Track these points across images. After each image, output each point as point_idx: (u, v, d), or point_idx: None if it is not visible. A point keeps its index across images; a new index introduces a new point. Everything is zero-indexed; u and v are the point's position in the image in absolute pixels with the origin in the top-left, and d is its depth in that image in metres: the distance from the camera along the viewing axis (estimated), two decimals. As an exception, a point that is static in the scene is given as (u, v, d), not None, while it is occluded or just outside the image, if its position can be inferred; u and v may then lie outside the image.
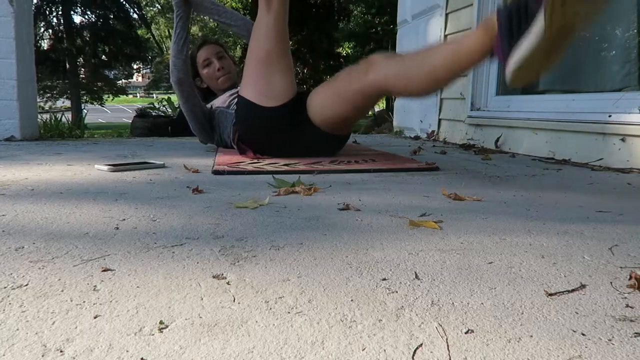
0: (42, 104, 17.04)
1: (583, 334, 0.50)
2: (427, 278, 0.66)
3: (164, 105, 7.16)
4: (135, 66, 24.41)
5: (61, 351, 0.46)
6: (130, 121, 6.03)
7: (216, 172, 1.58)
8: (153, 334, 0.49)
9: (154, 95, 27.08)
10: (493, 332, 0.51)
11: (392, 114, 3.98)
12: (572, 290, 0.62)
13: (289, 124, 1.84)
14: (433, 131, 3.16)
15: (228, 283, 0.63)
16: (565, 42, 1.10)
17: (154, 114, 6.47)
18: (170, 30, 30.46)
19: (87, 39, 17.20)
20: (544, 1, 1.06)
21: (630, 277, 0.65)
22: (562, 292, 0.62)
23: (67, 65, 16.26)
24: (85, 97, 18.29)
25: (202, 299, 0.58)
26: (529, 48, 1.10)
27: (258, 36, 1.88)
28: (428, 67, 1.46)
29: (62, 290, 0.60)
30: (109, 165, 1.64)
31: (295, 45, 11.61)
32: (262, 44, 1.86)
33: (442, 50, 1.49)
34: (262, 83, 1.85)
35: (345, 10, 12.91)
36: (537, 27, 1.08)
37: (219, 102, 2.24)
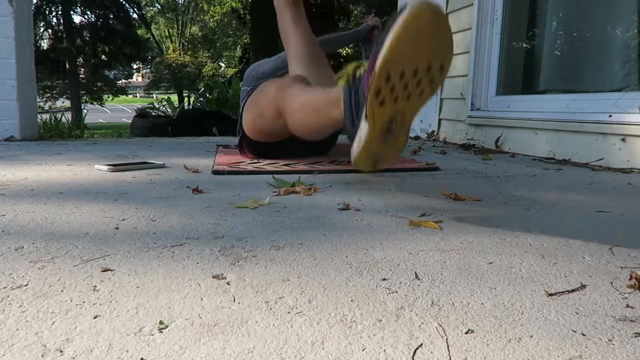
0: (42, 104, 17.07)
1: (583, 334, 0.50)
2: (427, 278, 0.66)
3: (163, 106, 7.17)
4: (135, 66, 24.46)
5: (61, 351, 0.46)
6: (130, 121, 6.03)
7: (216, 172, 1.58)
8: (153, 334, 0.49)
9: (154, 95, 27.12)
10: (493, 332, 0.51)
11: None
12: (572, 291, 0.62)
13: (280, 149, 1.82)
14: (433, 131, 3.15)
15: (228, 283, 0.63)
16: (391, 138, 0.95)
17: (153, 114, 6.48)
18: (170, 30, 30.45)
19: (87, 39, 17.21)
20: (366, 97, 0.92)
21: (631, 277, 0.65)
22: (562, 292, 0.62)
23: (67, 65, 16.27)
24: (85, 97, 18.31)
25: (202, 299, 0.58)
26: (363, 138, 0.95)
27: (266, 99, 1.55)
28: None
29: (62, 291, 0.60)
30: (109, 165, 1.64)
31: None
32: (265, 112, 1.59)
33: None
34: (256, 129, 1.72)
35: (345, 10, 12.92)
36: (364, 122, 0.95)
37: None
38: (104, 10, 17.27)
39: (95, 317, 0.53)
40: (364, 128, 0.93)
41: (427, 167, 1.72)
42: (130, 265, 0.69)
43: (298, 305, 0.57)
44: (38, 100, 4.34)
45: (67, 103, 17.77)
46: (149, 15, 27.61)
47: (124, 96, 26.06)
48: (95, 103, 19.63)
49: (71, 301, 0.57)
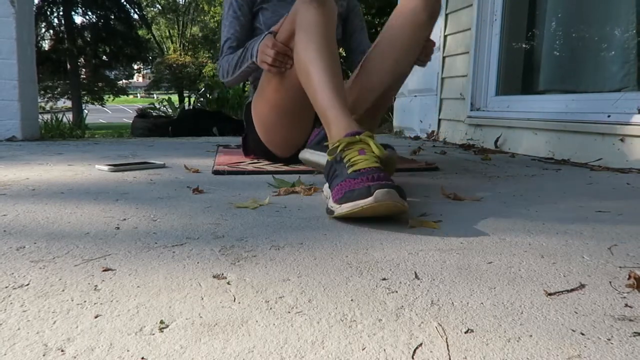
0: (43, 104, 17.08)
1: (582, 334, 0.51)
2: (427, 278, 0.66)
3: (164, 106, 7.18)
4: (135, 66, 24.46)
5: (62, 350, 0.46)
6: (131, 121, 6.04)
7: (216, 172, 1.58)
8: (154, 334, 0.50)
9: (155, 95, 27.12)
10: (493, 332, 0.51)
11: (392, 114, 3.98)
12: (572, 290, 0.62)
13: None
14: (433, 131, 3.16)
15: (228, 283, 0.64)
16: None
17: (154, 114, 6.50)
18: (171, 31, 30.47)
19: (88, 39, 17.21)
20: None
21: (629, 277, 0.65)
22: (562, 291, 0.62)
23: (68, 66, 16.27)
24: (86, 98, 18.33)
25: (202, 298, 0.59)
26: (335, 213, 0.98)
27: (274, 79, 1.51)
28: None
29: (63, 290, 0.60)
30: (110, 165, 1.64)
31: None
32: (276, 91, 1.53)
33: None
34: (272, 131, 1.64)
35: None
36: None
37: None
38: (105, 11, 17.27)
39: (96, 317, 0.53)
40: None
41: (427, 167, 1.72)
42: (131, 265, 0.70)
43: (298, 304, 0.57)
44: (39, 100, 4.36)
45: (68, 103, 17.78)
46: (149, 15, 27.61)
47: (125, 96, 26.05)
48: (96, 103, 19.65)
49: (72, 301, 0.57)
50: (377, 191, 0.89)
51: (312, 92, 1.22)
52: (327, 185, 1.09)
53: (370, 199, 0.89)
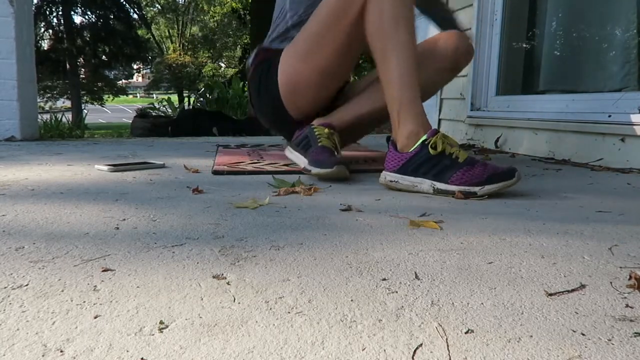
0: (42, 104, 17.10)
1: (583, 334, 0.50)
2: (427, 278, 0.66)
3: (164, 106, 7.19)
4: (135, 66, 24.49)
5: (61, 351, 0.46)
6: (131, 121, 6.05)
7: (216, 172, 1.58)
8: (153, 334, 0.49)
9: (154, 95, 27.14)
10: (493, 332, 0.51)
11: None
12: (572, 290, 0.62)
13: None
14: (433, 131, 3.15)
15: (228, 283, 0.63)
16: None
17: (154, 114, 6.50)
18: (170, 30, 30.45)
19: (88, 39, 17.22)
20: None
21: (630, 277, 0.65)
22: (562, 292, 0.62)
23: (68, 66, 16.28)
24: (85, 97, 18.34)
25: (202, 299, 0.58)
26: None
27: (326, 40, 1.49)
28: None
29: (63, 290, 0.60)
30: (109, 165, 1.64)
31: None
32: (326, 52, 1.52)
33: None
34: (299, 91, 1.63)
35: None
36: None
37: None
38: (105, 11, 17.28)
39: (95, 317, 0.53)
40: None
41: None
42: (131, 265, 0.69)
43: (298, 305, 0.57)
44: (38, 100, 4.36)
45: (68, 103, 17.81)
46: (149, 15, 27.62)
47: (124, 96, 26.10)
48: (95, 103, 19.66)
49: (72, 301, 0.57)
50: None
51: (396, 75, 1.30)
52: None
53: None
